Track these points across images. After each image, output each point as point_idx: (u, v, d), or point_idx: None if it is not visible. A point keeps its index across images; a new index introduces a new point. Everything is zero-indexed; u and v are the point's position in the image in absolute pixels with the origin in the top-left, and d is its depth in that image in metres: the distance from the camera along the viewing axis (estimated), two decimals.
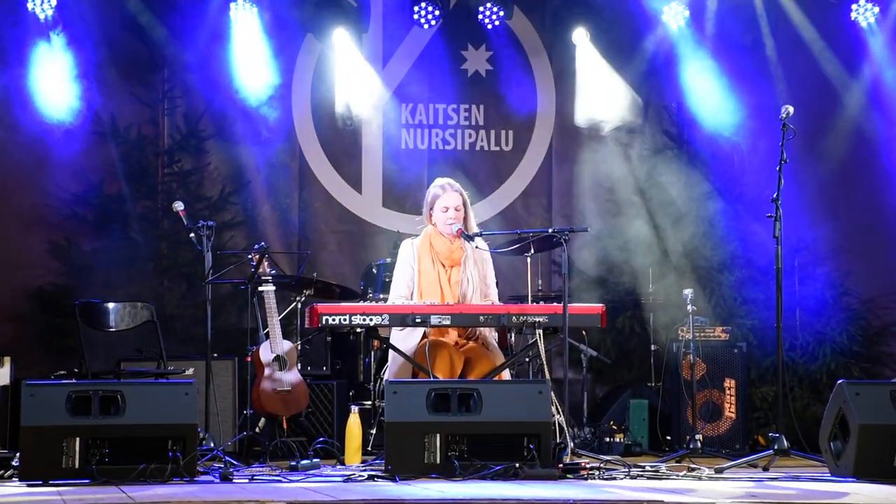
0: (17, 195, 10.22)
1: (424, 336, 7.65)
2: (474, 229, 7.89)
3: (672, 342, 9.47)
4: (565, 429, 7.46)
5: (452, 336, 7.78)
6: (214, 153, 10.55)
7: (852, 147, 10.72)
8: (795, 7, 10.72)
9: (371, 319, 7.50)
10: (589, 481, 6.83)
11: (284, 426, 8.44)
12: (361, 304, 8.38)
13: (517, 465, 6.78)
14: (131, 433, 6.73)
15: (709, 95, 10.80)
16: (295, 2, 10.57)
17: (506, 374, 7.74)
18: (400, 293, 7.78)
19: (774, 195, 7.73)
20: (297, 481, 6.87)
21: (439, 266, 7.84)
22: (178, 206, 8.35)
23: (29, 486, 6.57)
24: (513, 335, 8.47)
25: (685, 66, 10.83)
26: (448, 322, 7.49)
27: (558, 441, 7.26)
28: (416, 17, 10.67)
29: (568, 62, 11.00)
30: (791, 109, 7.88)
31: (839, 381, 7.06)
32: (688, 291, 8.97)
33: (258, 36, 10.47)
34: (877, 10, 10.65)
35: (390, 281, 9.20)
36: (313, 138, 10.86)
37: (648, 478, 6.98)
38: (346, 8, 10.58)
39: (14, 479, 6.80)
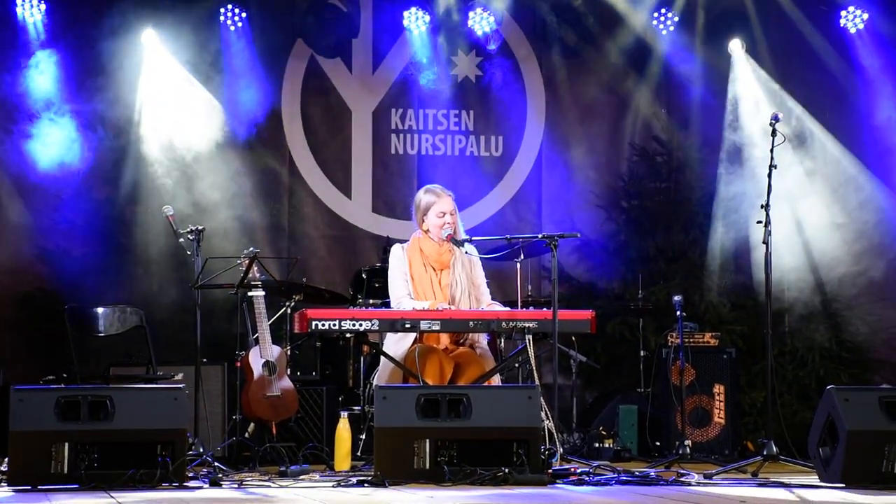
0: (5, 200, 10.20)
1: (416, 341, 7.65)
2: (462, 235, 7.90)
3: (661, 348, 9.49)
4: (555, 434, 7.46)
5: (444, 341, 7.78)
6: (203, 158, 10.51)
7: (842, 153, 10.74)
8: (788, 12, 10.76)
9: (361, 325, 7.48)
10: (578, 487, 6.83)
11: (274, 431, 8.43)
12: (351, 309, 8.39)
13: (507, 470, 6.78)
14: (120, 438, 6.71)
15: (698, 101, 10.83)
16: (285, 7, 10.56)
17: (496, 380, 7.75)
18: (403, 294, 7.77)
19: (763, 201, 7.74)
20: (287, 487, 6.86)
21: (430, 270, 7.84)
22: (168, 210, 8.33)
23: (17, 491, 6.56)
24: (503, 341, 8.47)
25: (674, 72, 10.86)
26: (438, 327, 7.49)
27: (548, 447, 7.26)
28: (405, 22, 10.69)
29: (557, 67, 11.01)
30: (780, 115, 7.90)
31: (828, 387, 7.07)
32: (677, 297, 8.98)
33: (247, 41, 10.46)
34: (866, 16, 10.68)
35: (380, 286, 9.25)
36: (303, 143, 10.85)
37: (638, 483, 6.98)
38: (336, 13, 10.59)
39: (2, 484, 6.77)
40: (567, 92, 11.07)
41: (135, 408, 6.80)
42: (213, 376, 9.02)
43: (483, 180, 11.03)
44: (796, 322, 10.60)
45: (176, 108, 10.39)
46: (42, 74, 10.09)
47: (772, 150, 7.81)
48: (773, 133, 7.83)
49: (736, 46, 10.78)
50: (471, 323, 7.55)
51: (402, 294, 7.77)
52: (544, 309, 8.13)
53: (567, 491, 6.65)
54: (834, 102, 10.86)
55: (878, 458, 6.81)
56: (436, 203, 7.83)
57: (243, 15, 10.43)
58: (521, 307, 8.60)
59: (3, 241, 10.20)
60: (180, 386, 7.12)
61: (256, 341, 8.42)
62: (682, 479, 7.20)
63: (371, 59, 10.95)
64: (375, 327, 7.51)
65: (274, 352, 8.39)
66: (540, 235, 7.94)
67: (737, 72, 10.80)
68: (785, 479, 7.23)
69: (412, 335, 7.63)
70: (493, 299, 8.01)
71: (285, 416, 8.47)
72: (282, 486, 6.88)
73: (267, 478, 7.28)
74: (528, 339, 7.59)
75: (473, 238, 8.05)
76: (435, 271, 7.85)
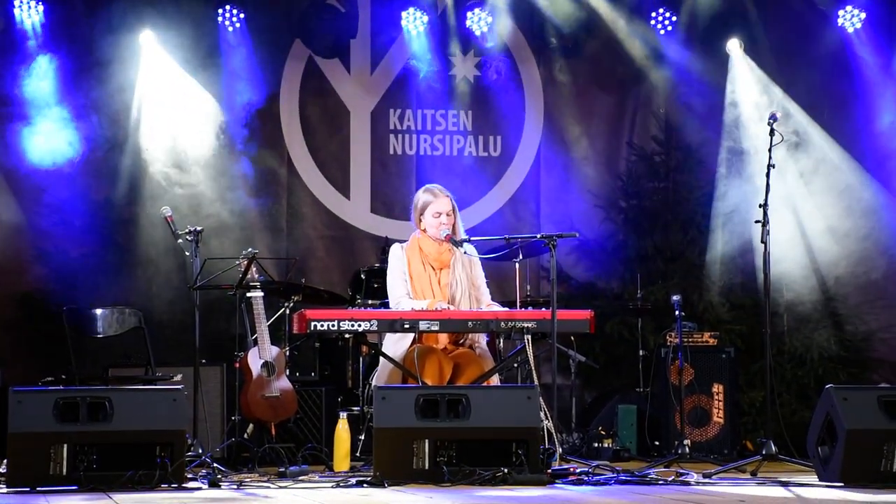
0: (2, 201, 10.19)
1: (415, 341, 7.65)
2: (462, 235, 7.89)
3: (660, 347, 9.49)
4: (554, 434, 7.46)
5: (443, 341, 7.78)
6: (201, 158, 10.52)
7: (837, 151, 10.75)
8: (786, 12, 10.76)
9: (359, 325, 7.48)
10: (577, 487, 6.83)
11: (273, 432, 8.43)
12: (350, 309, 8.38)
13: (506, 470, 6.78)
14: (119, 439, 6.71)
15: (696, 100, 10.83)
16: (283, 8, 10.56)
17: (494, 380, 7.74)
18: (401, 293, 7.77)
19: (762, 201, 7.75)
20: (286, 488, 6.86)
21: (429, 269, 7.84)
22: (166, 211, 8.33)
23: (16, 492, 6.55)
24: (501, 341, 8.47)
25: (672, 72, 10.86)
26: (437, 328, 7.48)
27: (547, 447, 7.25)
28: (404, 22, 10.69)
29: (556, 67, 11.00)
30: (778, 115, 7.90)
31: (827, 386, 7.08)
32: (676, 297, 8.98)
33: (246, 41, 10.46)
34: (863, 15, 10.68)
35: (379, 287, 9.24)
36: (301, 143, 10.85)
37: (637, 483, 6.98)
38: (335, 13, 10.58)
39: (1, 485, 6.77)
40: (565, 92, 11.06)
41: (133, 409, 6.79)
42: (211, 377, 9.02)
43: (481, 180, 11.03)
44: (795, 321, 10.60)
45: (174, 109, 10.40)
46: (39, 76, 10.07)
47: (770, 150, 7.82)
48: (772, 132, 7.84)
49: (734, 46, 10.77)
50: (469, 323, 7.54)
51: (401, 294, 7.77)
52: (543, 309, 8.13)
53: (566, 491, 6.65)
54: (832, 102, 10.86)
55: (877, 457, 6.82)
56: (433, 203, 7.83)
57: (241, 15, 10.42)
58: (520, 307, 8.59)
59: (1, 242, 10.18)
60: (179, 387, 7.11)
61: (255, 342, 8.42)
62: (681, 479, 7.20)
63: (369, 60, 10.95)
64: (374, 328, 7.51)
65: (273, 352, 8.39)
66: (538, 235, 7.94)
67: (735, 71, 10.80)
68: (784, 479, 7.23)
69: (411, 335, 7.63)
70: (492, 299, 8.01)
71: (284, 417, 8.47)
72: (281, 487, 6.88)
73: (266, 478, 7.27)
74: (527, 339, 7.59)
75: (472, 238, 8.05)
76: (434, 270, 7.85)
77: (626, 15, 10.80)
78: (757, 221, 7.75)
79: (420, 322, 7.43)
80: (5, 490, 6.63)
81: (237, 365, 8.59)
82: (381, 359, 7.80)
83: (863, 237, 10.59)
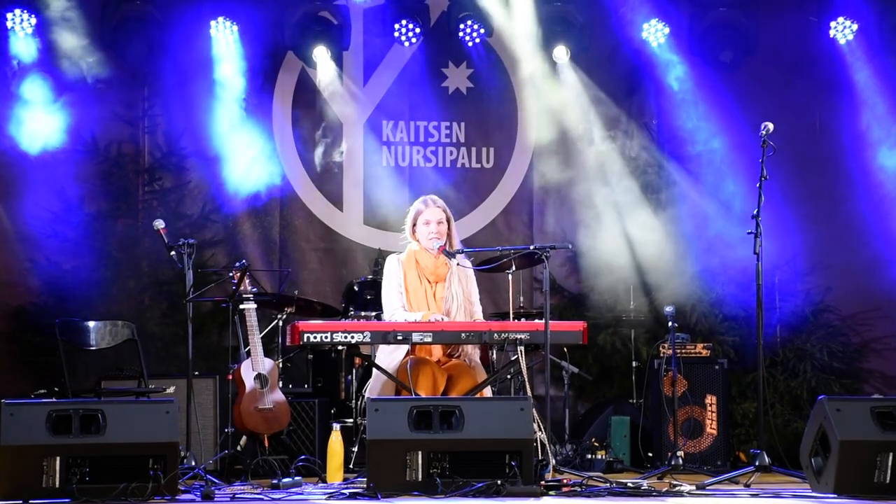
0: None
1: (408, 353, 7.65)
2: (457, 247, 7.90)
3: (653, 358, 9.49)
4: (547, 446, 7.46)
5: (436, 353, 7.78)
6: (195, 171, 10.53)
7: (830, 166, 10.77)
8: (775, 24, 10.78)
9: (352, 337, 7.49)
10: (571, 498, 6.83)
11: (266, 444, 8.42)
12: (343, 321, 8.38)
13: (499, 482, 6.78)
14: (112, 452, 6.70)
15: (688, 112, 10.84)
16: (275, 20, 10.57)
17: (487, 391, 7.74)
18: (397, 305, 7.77)
19: (755, 212, 7.76)
20: (279, 500, 6.86)
21: (425, 282, 7.85)
22: (159, 224, 8.33)
23: None
24: (495, 352, 8.47)
25: (664, 83, 10.87)
26: (430, 339, 7.49)
27: (540, 458, 7.26)
28: (396, 34, 10.68)
29: (549, 79, 11.01)
30: (771, 126, 7.91)
31: (820, 397, 7.08)
32: (669, 308, 8.99)
33: (238, 54, 10.47)
34: (855, 27, 10.70)
35: (372, 298, 9.25)
36: (294, 156, 10.85)
37: (630, 494, 6.98)
38: (327, 26, 10.59)
39: None
40: (558, 103, 11.05)
41: (126, 421, 6.79)
42: (204, 389, 9.00)
43: (474, 192, 11.03)
44: (788, 332, 10.61)
45: (166, 121, 10.39)
46: (33, 89, 10.07)
47: (762, 162, 7.83)
48: (764, 144, 7.85)
49: (725, 58, 10.78)
50: (462, 334, 7.54)
51: (396, 306, 7.77)
52: (536, 320, 8.14)
53: (560, 502, 6.65)
54: (823, 113, 10.88)
55: (870, 469, 6.83)
56: (424, 212, 7.86)
57: (234, 28, 10.42)
58: (513, 319, 8.60)
59: None
60: (172, 399, 7.11)
61: (248, 354, 8.42)
62: (674, 490, 7.20)
63: (362, 72, 10.95)
64: (367, 339, 7.52)
65: (266, 364, 8.38)
66: (531, 247, 7.94)
67: (726, 82, 10.81)
68: (777, 490, 7.23)
69: (404, 347, 7.63)
70: (484, 312, 8.01)
71: (277, 429, 8.47)
72: (274, 499, 6.88)
73: (259, 491, 7.27)
74: (520, 351, 7.59)
75: (465, 249, 8.06)
76: (430, 284, 7.86)
77: (620, 26, 10.79)
78: (749, 232, 7.76)
79: (413, 334, 7.44)
80: None
81: (230, 377, 8.58)
82: (375, 371, 7.80)
83: (854, 248, 10.60)
